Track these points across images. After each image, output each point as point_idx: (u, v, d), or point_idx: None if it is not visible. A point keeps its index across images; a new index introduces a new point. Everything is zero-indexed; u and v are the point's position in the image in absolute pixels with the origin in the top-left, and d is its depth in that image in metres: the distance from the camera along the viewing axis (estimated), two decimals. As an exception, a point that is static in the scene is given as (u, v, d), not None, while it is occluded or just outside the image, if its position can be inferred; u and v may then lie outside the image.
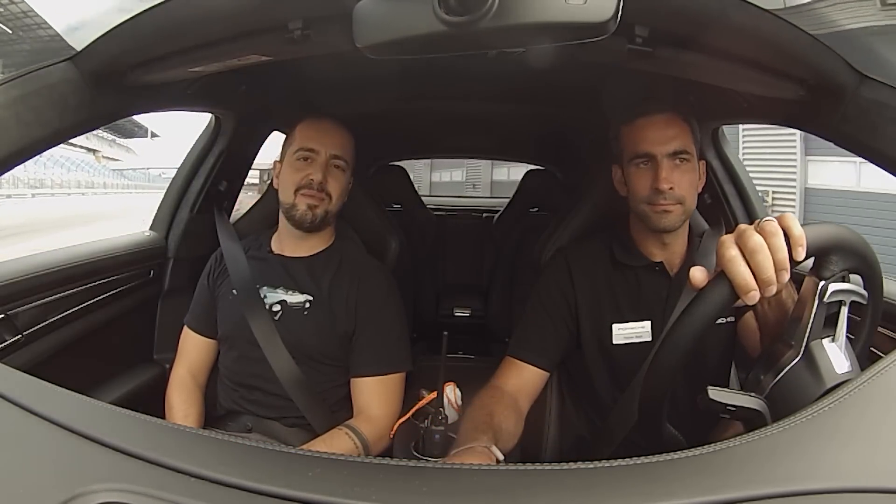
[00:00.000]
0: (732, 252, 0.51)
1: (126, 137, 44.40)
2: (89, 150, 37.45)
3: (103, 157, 39.97)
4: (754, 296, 0.50)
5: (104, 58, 0.71)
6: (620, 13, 0.49)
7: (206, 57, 0.73)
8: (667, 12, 0.61)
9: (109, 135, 40.88)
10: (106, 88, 0.75)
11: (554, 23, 0.49)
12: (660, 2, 0.61)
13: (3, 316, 0.86)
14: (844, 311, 0.56)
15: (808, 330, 0.55)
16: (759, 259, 0.50)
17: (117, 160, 42.48)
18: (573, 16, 0.48)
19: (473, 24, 0.48)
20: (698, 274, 0.53)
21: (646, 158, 0.87)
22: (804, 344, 0.55)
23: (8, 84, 0.65)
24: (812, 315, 0.55)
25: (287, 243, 1.05)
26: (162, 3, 0.63)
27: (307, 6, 0.65)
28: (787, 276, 0.51)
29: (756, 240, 0.50)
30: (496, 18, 0.48)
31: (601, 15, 0.49)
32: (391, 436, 0.93)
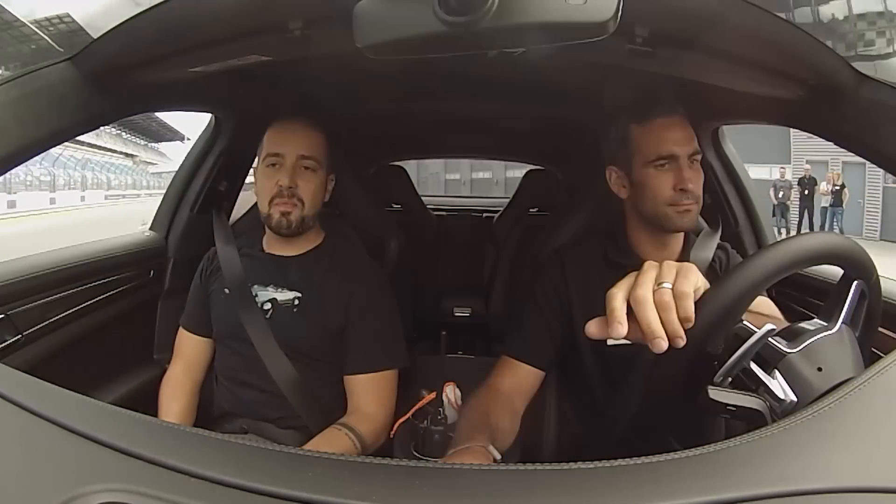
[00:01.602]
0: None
1: (156, 141, 44.64)
2: (127, 154, 38.06)
3: (141, 161, 40.71)
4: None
5: (104, 58, 0.71)
6: (620, 13, 0.49)
7: (206, 57, 0.73)
8: (667, 12, 0.61)
9: (142, 140, 41.23)
10: (106, 88, 0.74)
11: (554, 23, 0.49)
12: (660, 2, 0.61)
13: (3, 316, 0.86)
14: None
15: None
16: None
17: (153, 164, 43.37)
18: (573, 16, 0.48)
19: (473, 24, 0.48)
20: (593, 329, 0.56)
21: (667, 159, 0.86)
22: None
23: (8, 84, 0.65)
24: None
25: (277, 243, 1.05)
26: (162, 3, 0.63)
27: (307, 6, 0.65)
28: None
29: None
30: (496, 18, 0.48)
31: (601, 15, 0.48)
32: (391, 436, 0.93)
